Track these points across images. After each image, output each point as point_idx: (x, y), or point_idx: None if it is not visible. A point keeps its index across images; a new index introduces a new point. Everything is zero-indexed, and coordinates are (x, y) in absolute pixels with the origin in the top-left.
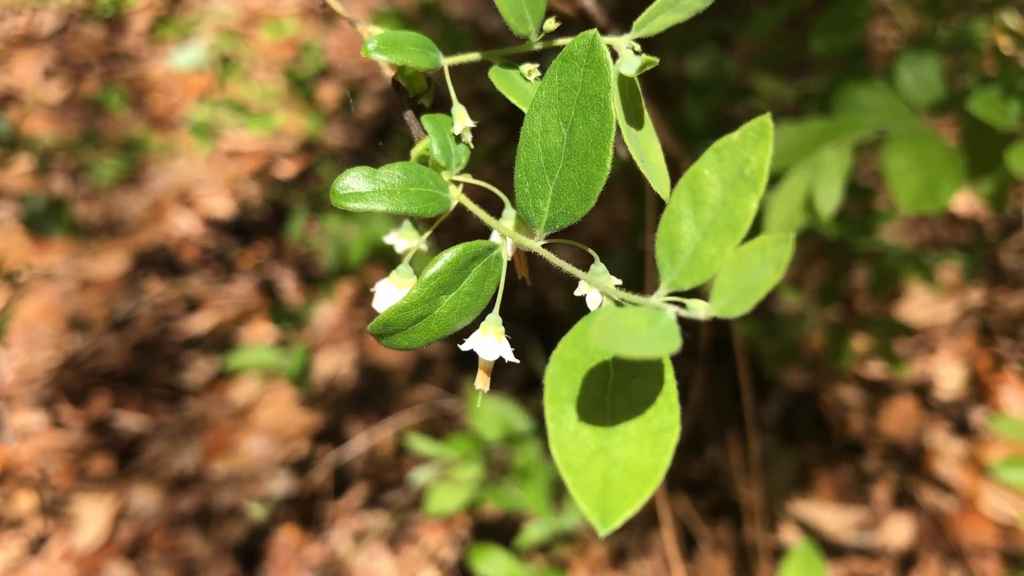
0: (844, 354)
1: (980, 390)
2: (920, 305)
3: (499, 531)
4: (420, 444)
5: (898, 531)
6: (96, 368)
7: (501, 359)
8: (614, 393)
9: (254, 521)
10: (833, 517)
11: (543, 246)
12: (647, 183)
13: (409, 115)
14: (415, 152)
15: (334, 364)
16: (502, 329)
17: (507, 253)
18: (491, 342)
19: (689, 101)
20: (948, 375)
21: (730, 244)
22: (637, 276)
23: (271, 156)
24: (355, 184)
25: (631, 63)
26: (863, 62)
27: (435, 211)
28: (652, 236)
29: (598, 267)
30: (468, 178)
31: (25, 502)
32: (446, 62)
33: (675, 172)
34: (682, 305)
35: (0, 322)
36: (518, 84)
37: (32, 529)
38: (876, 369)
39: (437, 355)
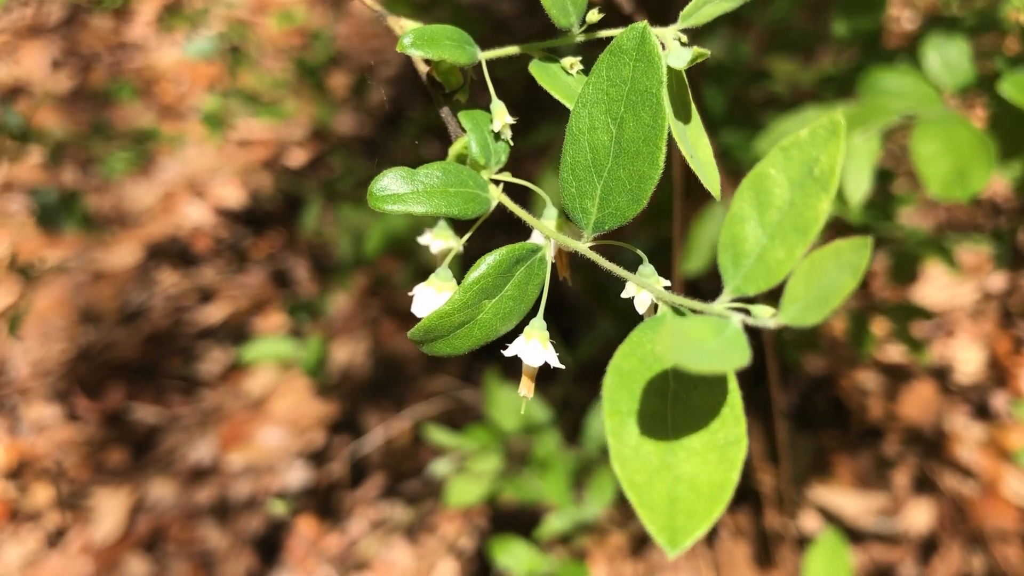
0: (866, 341)
1: (1000, 373)
2: (938, 288)
3: (518, 519)
4: (438, 435)
5: (919, 516)
6: (110, 360)
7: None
8: (675, 405)
9: (271, 512)
10: (853, 503)
11: (590, 248)
12: (674, 167)
13: (446, 112)
14: (453, 150)
15: (349, 353)
16: (547, 334)
17: (550, 255)
18: (536, 347)
19: (709, 87)
20: (968, 358)
21: (799, 247)
22: (657, 262)
23: (282, 144)
24: (393, 185)
25: (680, 55)
26: (881, 43)
27: (475, 212)
28: (678, 223)
29: (646, 268)
30: (508, 176)
31: (42, 495)
32: (483, 56)
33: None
34: (747, 312)
35: (15, 317)
36: (560, 79)
37: (50, 522)
38: (895, 353)
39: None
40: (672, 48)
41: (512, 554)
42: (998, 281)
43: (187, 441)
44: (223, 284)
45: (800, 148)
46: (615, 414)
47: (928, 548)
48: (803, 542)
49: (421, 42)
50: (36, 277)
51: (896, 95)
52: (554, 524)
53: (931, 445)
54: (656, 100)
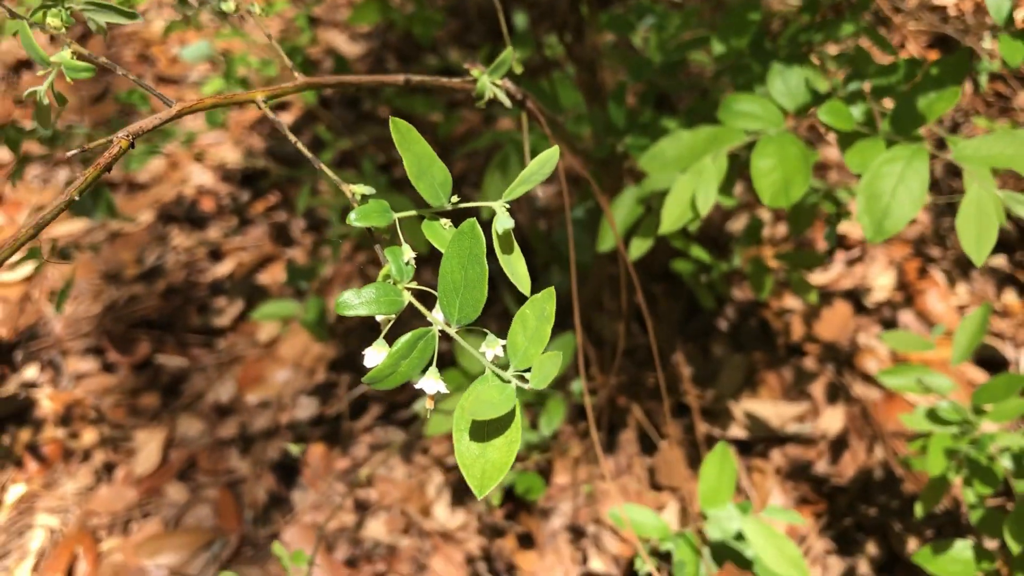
0: (764, 288)
1: (908, 294)
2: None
3: None
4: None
5: (833, 421)
6: (133, 314)
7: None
8: (489, 423)
9: (288, 441)
10: (777, 412)
11: (457, 332)
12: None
13: (378, 247)
14: (382, 273)
15: None
16: (437, 372)
17: (437, 333)
18: (431, 382)
19: (612, 103)
20: (882, 282)
21: (540, 348)
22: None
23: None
24: (350, 300)
25: (502, 223)
26: (763, 57)
27: (396, 310)
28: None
29: (490, 337)
30: (415, 285)
31: (88, 437)
32: (396, 217)
33: (581, 189)
34: (522, 378)
35: (60, 293)
36: (440, 233)
37: (97, 459)
38: (818, 279)
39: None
40: (499, 215)
41: None
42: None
43: (208, 384)
44: (228, 240)
45: (538, 302)
46: (459, 430)
47: (839, 447)
48: (733, 445)
49: (362, 218)
50: (73, 256)
51: (749, 116)
52: None
53: (845, 359)
54: (481, 261)
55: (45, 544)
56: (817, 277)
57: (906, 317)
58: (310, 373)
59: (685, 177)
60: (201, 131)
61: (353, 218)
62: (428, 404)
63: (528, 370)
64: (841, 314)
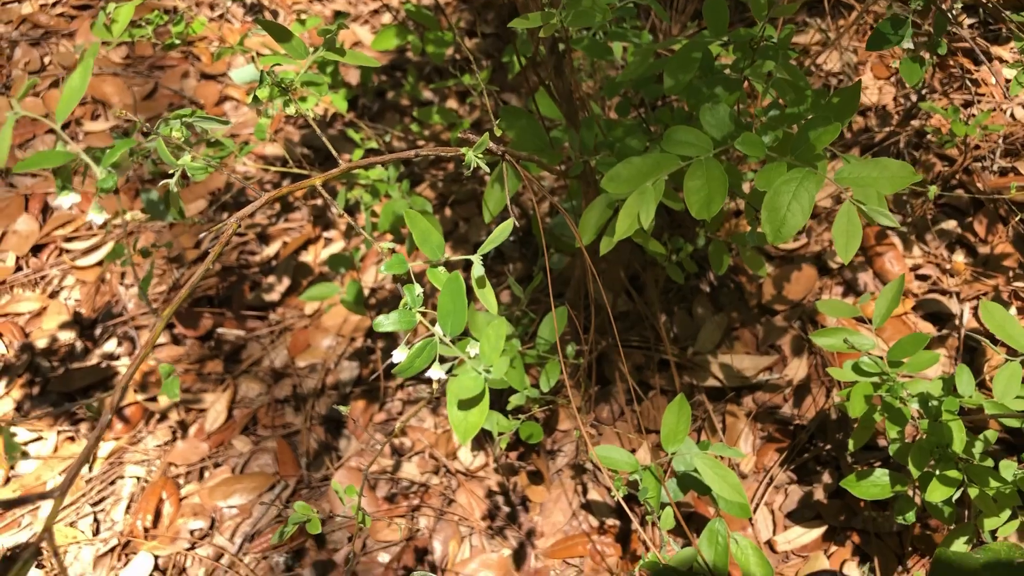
0: (722, 266)
1: (869, 256)
2: (824, 193)
3: (501, 399)
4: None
5: (797, 370)
6: (195, 293)
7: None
8: (468, 399)
9: (333, 398)
10: (750, 364)
11: (450, 340)
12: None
13: (401, 287)
14: (402, 303)
15: (374, 278)
16: (440, 365)
17: (437, 342)
18: (436, 372)
19: (583, 130)
20: None
21: (498, 353)
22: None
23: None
24: (382, 321)
25: (477, 271)
26: (711, 80)
27: (411, 326)
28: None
29: (473, 346)
30: (424, 309)
31: (163, 400)
32: (411, 267)
33: (569, 184)
34: (488, 371)
35: (143, 282)
36: (439, 276)
37: (173, 419)
38: (788, 244)
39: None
40: (476, 266)
41: (490, 421)
42: None
43: (264, 352)
44: (273, 224)
45: (496, 326)
46: (451, 404)
47: (802, 392)
48: (709, 394)
49: (390, 268)
50: (151, 255)
51: (686, 144)
52: (514, 401)
53: (810, 316)
54: (462, 296)
55: (135, 490)
56: (788, 244)
57: (865, 277)
58: (350, 340)
59: (633, 196)
60: (244, 121)
61: (384, 269)
62: (435, 386)
63: (492, 367)
64: (807, 276)
